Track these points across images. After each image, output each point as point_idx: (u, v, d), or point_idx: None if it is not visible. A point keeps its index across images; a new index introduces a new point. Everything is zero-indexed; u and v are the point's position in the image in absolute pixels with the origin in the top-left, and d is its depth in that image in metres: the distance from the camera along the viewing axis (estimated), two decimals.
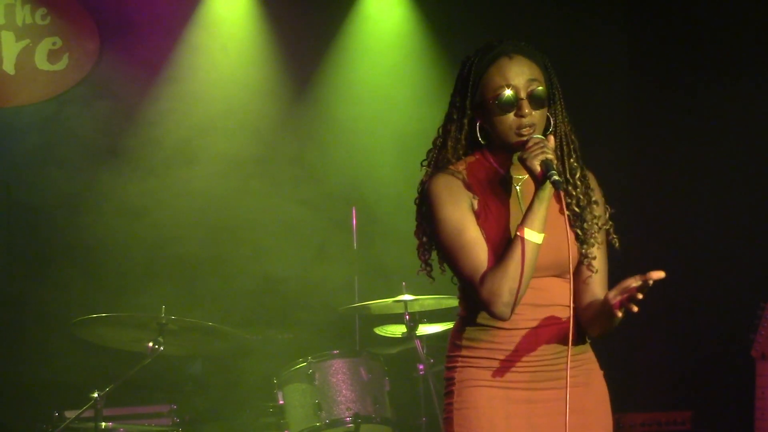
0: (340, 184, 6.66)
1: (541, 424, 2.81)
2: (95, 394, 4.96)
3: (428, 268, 2.93)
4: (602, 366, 2.94)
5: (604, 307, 2.73)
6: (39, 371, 6.15)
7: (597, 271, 2.88)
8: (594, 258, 2.87)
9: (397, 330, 5.73)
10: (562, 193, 2.71)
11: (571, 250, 2.75)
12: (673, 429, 5.69)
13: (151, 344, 5.10)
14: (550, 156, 2.72)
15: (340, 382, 5.21)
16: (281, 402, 5.30)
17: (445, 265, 2.91)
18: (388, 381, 5.34)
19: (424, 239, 2.91)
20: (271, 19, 6.76)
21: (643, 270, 2.64)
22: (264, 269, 6.49)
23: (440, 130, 2.93)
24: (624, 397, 6.18)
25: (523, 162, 2.74)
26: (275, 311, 6.49)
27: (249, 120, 6.71)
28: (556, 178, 2.68)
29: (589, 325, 2.87)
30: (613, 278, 2.82)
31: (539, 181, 2.72)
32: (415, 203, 2.92)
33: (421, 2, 6.90)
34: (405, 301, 5.43)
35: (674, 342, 6.29)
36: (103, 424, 5.03)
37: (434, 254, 2.91)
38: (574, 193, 2.88)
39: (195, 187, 6.54)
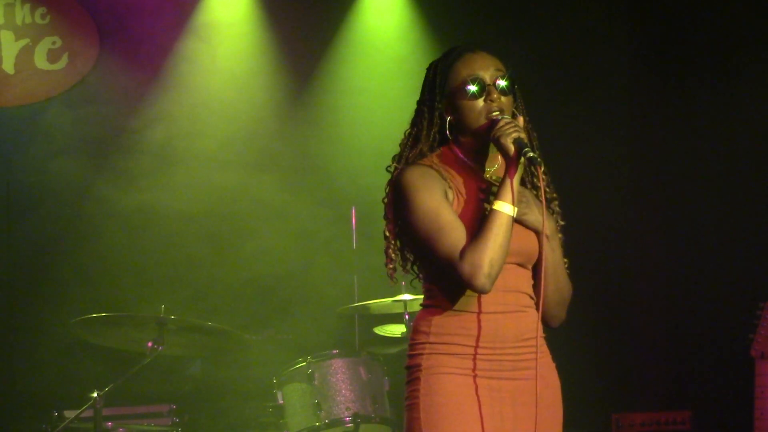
0: (340, 184, 6.65)
1: (507, 414, 2.81)
2: (95, 394, 4.95)
3: (392, 267, 2.90)
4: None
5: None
6: (38, 371, 6.15)
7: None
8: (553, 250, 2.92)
9: (397, 330, 5.73)
10: (539, 168, 2.76)
11: (543, 229, 2.80)
12: (673, 429, 5.68)
13: (150, 344, 5.11)
14: (523, 135, 2.76)
15: (340, 382, 5.21)
16: (281, 402, 5.30)
17: (410, 265, 2.90)
18: (387, 381, 5.33)
19: (393, 233, 2.87)
20: (272, 19, 6.75)
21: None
22: (263, 269, 6.49)
23: (409, 131, 2.96)
24: (624, 396, 6.23)
25: (496, 141, 2.78)
26: (275, 311, 6.49)
27: (249, 120, 6.71)
28: (531, 154, 2.73)
29: (552, 295, 2.89)
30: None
31: (512, 159, 2.75)
32: (384, 201, 2.91)
33: (421, 2, 6.89)
34: (404, 301, 5.43)
35: (674, 342, 6.29)
36: (103, 424, 5.03)
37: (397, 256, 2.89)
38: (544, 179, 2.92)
39: (195, 187, 6.54)
